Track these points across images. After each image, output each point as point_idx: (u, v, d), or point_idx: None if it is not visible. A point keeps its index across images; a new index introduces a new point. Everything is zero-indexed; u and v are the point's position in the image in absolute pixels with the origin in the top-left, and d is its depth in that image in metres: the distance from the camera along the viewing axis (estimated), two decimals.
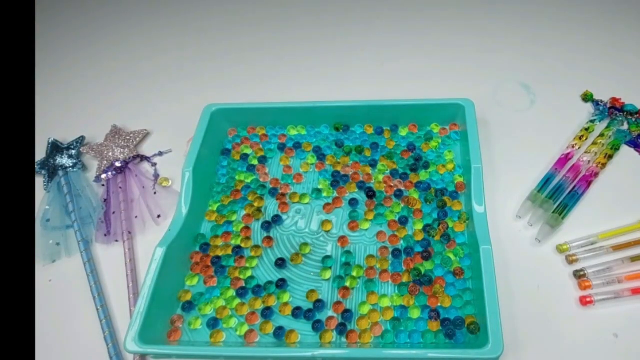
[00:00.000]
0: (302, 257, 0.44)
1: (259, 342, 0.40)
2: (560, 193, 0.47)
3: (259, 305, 0.41)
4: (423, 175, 0.49)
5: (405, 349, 0.36)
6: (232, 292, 0.43)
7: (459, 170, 0.49)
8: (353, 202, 0.48)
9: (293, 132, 0.55)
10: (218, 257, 0.45)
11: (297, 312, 0.41)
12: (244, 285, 0.43)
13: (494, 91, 0.59)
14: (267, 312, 0.41)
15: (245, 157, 0.53)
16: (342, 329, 0.39)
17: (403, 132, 0.53)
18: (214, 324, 0.41)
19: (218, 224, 0.48)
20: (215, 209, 0.49)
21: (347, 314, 0.40)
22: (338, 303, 0.41)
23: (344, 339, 0.39)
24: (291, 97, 0.57)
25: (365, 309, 0.40)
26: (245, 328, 0.40)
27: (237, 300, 0.42)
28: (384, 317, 0.40)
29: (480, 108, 0.51)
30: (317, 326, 0.40)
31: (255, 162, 0.53)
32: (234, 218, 0.48)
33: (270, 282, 0.43)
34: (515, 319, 0.40)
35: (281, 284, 0.43)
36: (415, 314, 0.40)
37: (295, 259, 0.44)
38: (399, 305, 0.40)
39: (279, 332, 0.39)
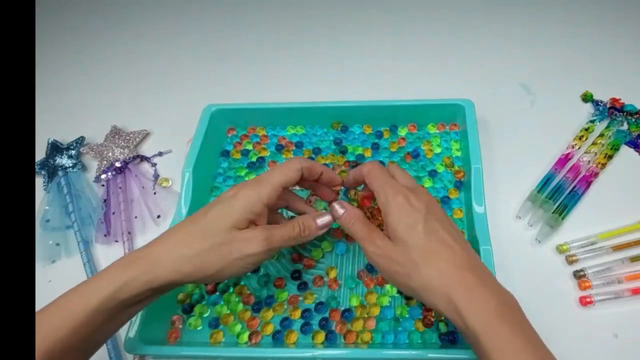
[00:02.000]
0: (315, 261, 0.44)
1: (259, 343, 0.40)
2: (560, 193, 0.47)
3: (269, 317, 0.41)
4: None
5: (405, 349, 0.36)
6: (234, 297, 0.42)
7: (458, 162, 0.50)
8: None
9: (292, 132, 0.55)
10: None
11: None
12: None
13: (493, 91, 0.59)
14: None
15: (246, 152, 0.53)
16: (341, 328, 0.39)
17: (402, 132, 0.53)
18: (215, 324, 0.41)
19: None
20: None
21: (346, 313, 0.40)
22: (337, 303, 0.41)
23: (342, 340, 0.39)
24: (291, 97, 0.57)
25: (358, 308, 0.41)
26: (247, 333, 0.40)
27: (241, 306, 0.42)
28: (371, 314, 0.40)
29: (480, 108, 0.51)
30: (324, 324, 0.40)
31: (254, 158, 0.53)
32: None
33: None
34: None
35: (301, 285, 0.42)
36: (403, 313, 0.40)
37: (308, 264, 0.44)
38: (387, 305, 0.40)
39: (278, 335, 0.40)
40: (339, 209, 0.36)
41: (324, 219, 0.37)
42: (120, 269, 0.32)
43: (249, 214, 0.33)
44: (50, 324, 0.29)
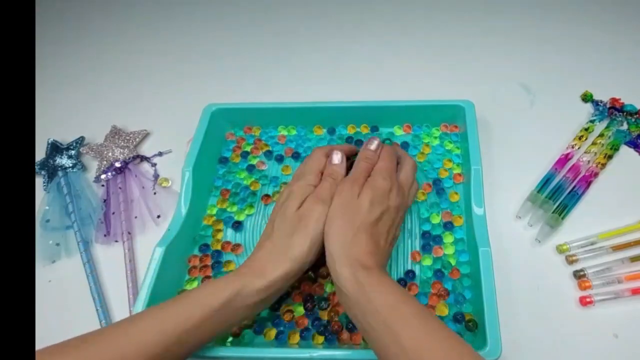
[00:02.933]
0: None
1: (257, 343, 0.40)
2: (560, 193, 0.47)
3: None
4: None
5: None
6: None
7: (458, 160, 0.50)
8: None
9: (292, 132, 0.55)
10: (219, 260, 0.45)
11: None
12: None
13: (493, 92, 0.59)
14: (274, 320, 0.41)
15: (245, 154, 0.53)
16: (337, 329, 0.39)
17: (399, 132, 0.53)
18: None
19: (217, 229, 0.48)
20: (214, 212, 0.49)
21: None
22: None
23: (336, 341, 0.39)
24: (291, 97, 0.57)
25: None
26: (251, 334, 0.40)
27: None
28: None
29: (479, 109, 0.51)
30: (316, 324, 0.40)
31: (254, 161, 0.53)
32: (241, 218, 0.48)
33: None
34: (515, 319, 0.40)
35: None
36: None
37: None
38: None
39: (281, 336, 0.39)
40: (335, 158, 0.41)
41: (336, 157, 0.42)
42: (234, 277, 0.35)
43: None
44: (181, 314, 0.32)
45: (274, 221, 0.38)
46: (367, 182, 0.39)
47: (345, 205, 0.37)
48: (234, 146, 0.54)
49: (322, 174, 0.41)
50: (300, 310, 0.41)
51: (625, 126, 0.53)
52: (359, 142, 0.52)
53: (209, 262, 0.45)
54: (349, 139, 0.53)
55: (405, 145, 0.52)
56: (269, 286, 0.35)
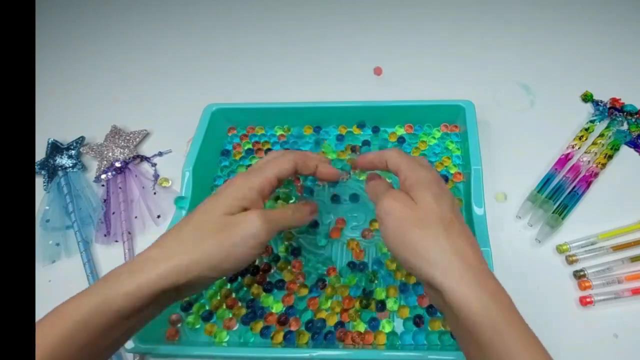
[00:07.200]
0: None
1: (254, 342, 0.40)
2: (560, 193, 0.47)
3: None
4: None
5: (404, 351, 0.36)
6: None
7: (459, 162, 0.50)
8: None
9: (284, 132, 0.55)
10: None
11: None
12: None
13: (493, 92, 0.59)
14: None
15: (246, 153, 0.53)
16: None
17: (400, 132, 0.53)
18: (208, 317, 0.41)
19: None
20: None
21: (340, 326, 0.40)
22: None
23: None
24: (292, 97, 0.57)
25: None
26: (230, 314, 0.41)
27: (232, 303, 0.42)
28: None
29: (479, 109, 0.51)
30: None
31: (255, 161, 0.53)
32: None
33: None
34: None
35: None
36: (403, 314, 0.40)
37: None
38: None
39: (290, 336, 0.39)
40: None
41: (313, 206, 0.39)
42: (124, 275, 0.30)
43: (240, 200, 0.33)
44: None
45: (194, 212, 0.33)
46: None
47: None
48: (235, 143, 0.54)
49: (278, 181, 0.35)
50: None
51: (625, 126, 0.53)
52: (366, 142, 0.52)
53: None
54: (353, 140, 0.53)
55: (402, 141, 0.52)
56: (142, 286, 0.29)
